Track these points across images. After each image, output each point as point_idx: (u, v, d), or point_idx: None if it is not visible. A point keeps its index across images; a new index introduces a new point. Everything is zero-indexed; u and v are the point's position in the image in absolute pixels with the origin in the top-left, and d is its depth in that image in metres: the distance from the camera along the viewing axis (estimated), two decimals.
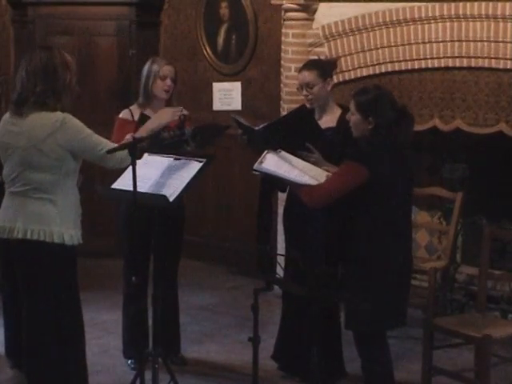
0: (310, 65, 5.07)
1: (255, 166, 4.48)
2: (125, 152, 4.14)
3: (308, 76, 4.97)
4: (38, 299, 4.13)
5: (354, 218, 4.30)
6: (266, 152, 4.55)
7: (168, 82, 5.17)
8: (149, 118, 4.99)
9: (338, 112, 5.05)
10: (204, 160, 4.44)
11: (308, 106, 5.02)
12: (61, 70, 4.08)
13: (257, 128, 4.81)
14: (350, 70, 6.43)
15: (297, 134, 4.65)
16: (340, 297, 4.41)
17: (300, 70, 5.07)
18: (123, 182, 4.42)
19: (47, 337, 4.16)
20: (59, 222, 4.09)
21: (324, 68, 5.04)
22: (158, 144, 4.70)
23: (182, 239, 5.38)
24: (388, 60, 6.20)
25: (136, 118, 5.18)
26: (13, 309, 4.32)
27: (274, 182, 5.03)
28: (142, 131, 4.48)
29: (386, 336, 4.46)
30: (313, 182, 4.40)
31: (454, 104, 5.94)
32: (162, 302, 5.13)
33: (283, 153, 4.57)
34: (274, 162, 4.49)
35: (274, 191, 5.43)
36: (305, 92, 5.00)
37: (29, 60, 4.11)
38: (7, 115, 4.20)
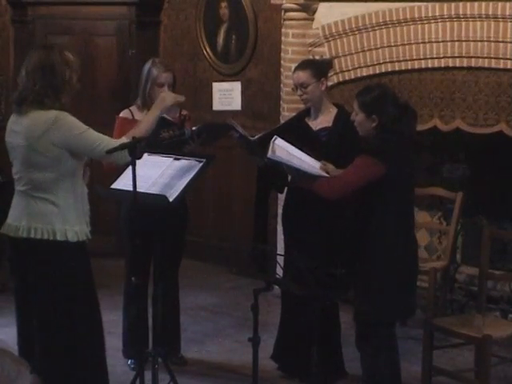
0: (303, 65, 5.08)
1: (269, 155, 4.50)
2: (124, 150, 4.11)
3: (302, 76, 4.98)
4: (47, 298, 4.10)
5: (369, 216, 4.36)
6: (273, 140, 4.58)
7: (165, 89, 5.17)
8: (163, 118, 4.97)
9: (333, 111, 5.05)
10: (204, 160, 4.44)
11: (304, 105, 5.06)
12: (58, 66, 4.05)
13: (252, 139, 4.87)
14: (349, 70, 6.43)
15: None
16: (340, 297, 4.42)
17: (294, 71, 5.08)
18: (123, 182, 4.42)
19: (59, 338, 4.11)
20: (61, 220, 4.07)
21: (318, 68, 5.04)
22: (158, 144, 4.70)
23: (183, 240, 5.38)
24: (388, 60, 6.20)
25: (136, 117, 5.19)
26: (25, 310, 4.27)
27: (276, 177, 5.05)
28: (150, 115, 4.40)
29: (395, 335, 4.49)
30: (322, 174, 4.47)
31: (453, 104, 5.93)
32: (163, 302, 5.13)
33: (283, 142, 4.61)
34: (285, 152, 4.52)
35: (270, 191, 5.42)
36: (299, 92, 5.01)
37: (29, 59, 4.10)
38: (13, 115, 4.19)
